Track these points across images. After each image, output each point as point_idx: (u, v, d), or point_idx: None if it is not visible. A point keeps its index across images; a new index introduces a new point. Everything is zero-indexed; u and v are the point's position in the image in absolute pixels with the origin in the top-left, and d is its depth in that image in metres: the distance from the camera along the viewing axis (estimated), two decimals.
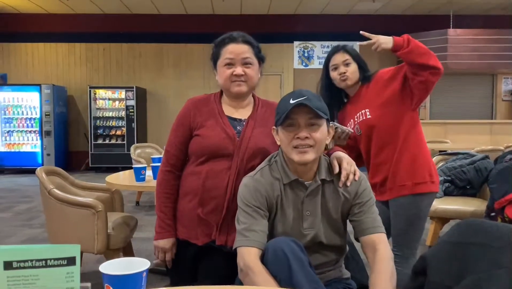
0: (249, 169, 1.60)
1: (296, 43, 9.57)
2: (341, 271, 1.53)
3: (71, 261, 0.60)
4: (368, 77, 2.10)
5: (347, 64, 2.08)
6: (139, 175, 2.76)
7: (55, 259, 0.59)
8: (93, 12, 9.12)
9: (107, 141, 9.18)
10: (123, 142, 9.10)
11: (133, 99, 9.01)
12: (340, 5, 8.64)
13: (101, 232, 2.58)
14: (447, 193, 3.74)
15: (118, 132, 9.18)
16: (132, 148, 5.56)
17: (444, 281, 1.07)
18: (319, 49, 9.62)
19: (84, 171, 9.13)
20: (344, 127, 2.08)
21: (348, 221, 1.50)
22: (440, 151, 5.28)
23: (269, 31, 9.06)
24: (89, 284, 0.65)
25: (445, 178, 3.78)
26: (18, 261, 0.58)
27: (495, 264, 1.02)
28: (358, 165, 1.70)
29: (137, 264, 0.93)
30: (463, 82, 9.18)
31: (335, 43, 8.86)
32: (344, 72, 2.07)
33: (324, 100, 1.80)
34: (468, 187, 3.74)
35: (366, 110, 2.07)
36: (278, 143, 1.48)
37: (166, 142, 1.79)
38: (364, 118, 2.08)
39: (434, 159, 4.01)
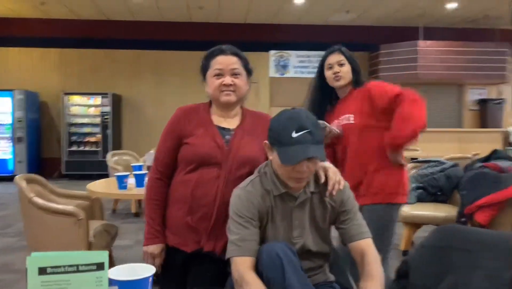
0: (237, 177, 1.64)
1: (272, 52, 9.69)
2: (326, 274, 1.60)
3: (100, 266, 0.64)
4: (360, 82, 2.21)
5: (341, 65, 2.18)
6: (122, 182, 2.77)
7: (85, 265, 0.63)
8: (68, 17, 9.01)
9: (81, 148, 9.05)
10: (98, 149, 8.98)
11: (109, 105, 8.92)
12: (315, 16, 8.83)
13: (82, 240, 2.58)
14: (419, 199, 3.89)
15: (93, 139, 9.06)
16: (108, 155, 5.52)
17: (425, 283, 1.16)
18: (295, 58, 9.76)
19: (57, 178, 8.96)
20: (333, 128, 2.17)
21: (334, 227, 1.58)
22: (412, 159, 5.47)
23: (245, 39, 9.15)
24: (116, 288, 0.69)
25: (418, 185, 3.94)
26: (51, 267, 0.62)
27: (473, 267, 1.12)
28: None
29: (142, 270, 0.97)
30: (432, 92, 9.50)
31: (310, 53, 9.08)
32: (338, 72, 2.17)
33: (315, 97, 2.09)
34: (439, 193, 3.91)
35: (351, 115, 2.17)
36: (270, 158, 1.52)
37: (156, 150, 1.82)
38: (347, 122, 2.17)
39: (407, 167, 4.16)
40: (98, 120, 9.00)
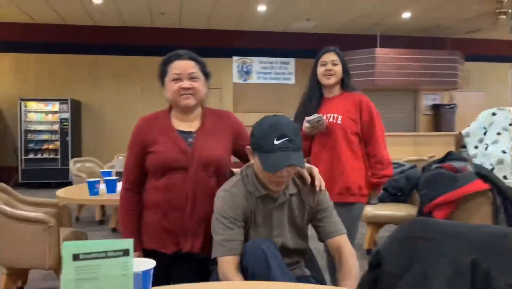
0: (204, 178, 1.71)
1: (235, 58, 9.80)
2: (303, 269, 1.69)
3: (126, 252, 0.70)
4: (349, 84, 2.38)
5: (334, 64, 2.34)
6: (93, 188, 2.76)
7: (113, 251, 0.69)
8: (24, 21, 8.73)
9: (39, 156, 8.76)
10: (57, 156, 8.74)
11: (68, 112, 8.71)
12: (277, 23, 9.01)
13: (53, 247, 2.55)
14: (381, 200, 4.07)
15: (51, 147, 8.80)
16: (71, 162, 5.41)
17: (396, 271, 1.26)
18: (258, 64, 9.91)
19: (13, 187, 8.61)
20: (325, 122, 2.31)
21: (311, 225, 1.67)
22: None
23: (208, 45, 9.20)
24: (140, 271, 0.74)
25: None
26: (84, 254, 0.68)
27: (437, 254, 1.23)
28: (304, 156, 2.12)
29: (142, 263, 0.98)
30: (389, 98, 9.89)
31: (273, 59, 9.21)
32: (330, 70, 2.32)
33: (313, 91, 2.28)
34: (399, 194, 4.10)
35: (339, 116, 2.32)
36: (252, 161, 1.59)
37: (124, 162, 1.86)
38: (334, 121, 2.32)
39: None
40: (56, 127, 8.75)
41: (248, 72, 9.91)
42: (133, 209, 1.79)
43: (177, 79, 1.74)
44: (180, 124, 1.79)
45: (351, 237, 2.28)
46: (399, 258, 1.28)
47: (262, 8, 8.01)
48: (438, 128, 9.93)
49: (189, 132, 1.78)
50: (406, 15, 8.37)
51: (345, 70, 2.38)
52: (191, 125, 1.80)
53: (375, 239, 4.11)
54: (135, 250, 1.73)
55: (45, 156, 8.78)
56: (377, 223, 3.98)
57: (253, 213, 1.56)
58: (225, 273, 1.42)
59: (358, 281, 1.47)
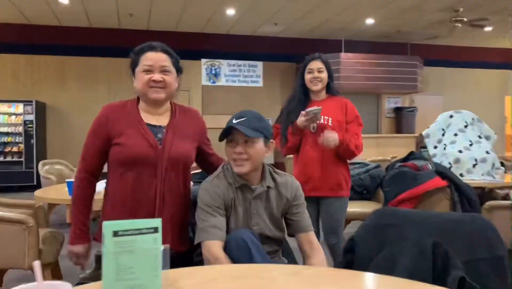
0: (173, 175, 1.73)
1: (203, 60, 9.86)
2: (281, 258, 1.82)
3: (155, 230, 0.83)
4: (333, 88, 2.60)
5: (320, 71, 2.55)
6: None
7: (146, 228, 0.81)
8: None
9: (1, 158, 8.53)
10: (21, 159, 8.53)
11: (32, 113, 8.52)
12: (245, 26, 9.16)
13: (32, 247, 2.57)
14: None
15: (15, 149, 8.58)
16: (40, 165, 5.34)
17: (368, 255, 1.42)
18: (226, 67, 10.02)
19: None
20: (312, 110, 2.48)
21: (284, 218, 1.82)
22: None
23: (177, 47, 9.19)
24: (168, 246, 0.86)
25: None
26: (122, 231, 0.80)
27: (403, 238, 1.40)
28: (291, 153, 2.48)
29: None
30: (354, 101, 10.08)
31: (241, 62, 9.36)
32: (317, 77, 2.53)
33: (299, 96, 2.45)
34: (364, 192, 4.33)
35: (330, 118, 2.55)
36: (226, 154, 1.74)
37: (82, 150, 1.78)
38: (325, 122, 2.54)
39: None
40: (20, 129, 8.54)
41: (216, 75, 10.00)
42: (88, 199, 1.75)
43: (148, 70, 1.69)
44: (148, 117, 1.75)
45: (342, 226, 2.70)
46: (371, 243, 1.45)
47: (231, 12, 8.13)
48: (400, 130, 10.35)
49: (159, 127, 1.75)
50: (370, 21, 8.71)
51: (330, 76, 2.61)
52: (160, 119, 1.76)
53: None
54: (84, 242, 1.73)
55: (9, 158, 8.56)
56: (345, 220, 4.17)
57: (233, 202, 1.69)
58: (216, 254, 1.53)
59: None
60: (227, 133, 1.66)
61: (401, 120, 10.34)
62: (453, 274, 1.21)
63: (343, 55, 9.44)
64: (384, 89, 10.01)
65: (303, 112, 2.48)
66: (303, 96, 2.62)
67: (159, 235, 0.83)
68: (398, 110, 10.47)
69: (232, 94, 9.93)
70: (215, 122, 10.14)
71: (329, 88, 2.63)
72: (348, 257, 1.47)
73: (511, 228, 2.62)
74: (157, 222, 0.84)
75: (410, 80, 9.84)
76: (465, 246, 1.31)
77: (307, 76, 2.58)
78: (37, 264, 0.75)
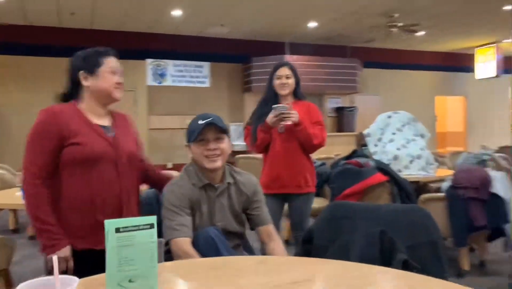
0: (131, 172, 1.83)
1: (149, 60, 9.75)
2: (242, 252, 1.95)
3: (151, 226, 0.94)
4: (300, 93, 2.80)
5: (288, 78, 2.75)
6: None
7: (143, 225, 0.91)
8: None
9: None
10: None
11: None
12: (192, 27, 9.17)
13: None
14: None
15: None
16: None
17: (324, 244, 1.59)
18: (172, 67, 9.96)
19: None
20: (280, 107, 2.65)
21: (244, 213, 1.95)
22: None
23: (121, 47, 9.05)
24: (162, 239, 0.95)
25: None
26: (123, 227, 0.89)
27: (354, 228, 1.58)
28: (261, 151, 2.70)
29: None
30: None
31: (188, 63, 9.37)
32: (285, 83, 2.73)
33: (269, 99, 2.66)
34: None
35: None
36: (190, 156, 1.85)
37: (26, 157, 1.73)
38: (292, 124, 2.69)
39: None
40: None
41: (162, 75, 9.92)
42: (50, 203, 1.71)
43: (114, 72, 1.83)
44: (94, 118, 1.81)
45: (308, 221, 2.86)
46: (327, 234, 1.61)
47: (177, 12, 8.12)
48: (341, 129, 10.81)
49: (106, 127, 1.83)
50: (313, 24, 9.04)
51: (297, 82, 2.81)
52: (104, 120, 1.84)
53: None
54: (66, 243, 1.67)
55: None
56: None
57: (198, 201, 1.80)
58: (186, 250, 1.64)
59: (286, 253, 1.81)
60: (199, 132, 1.76)
61: (342, 119, 10.80)
62: (398, 257, 1.40)
63: (288, 57, 9.71)
64: (326, 90, 10.40)
65: (274, 106, 2.67)
66: (272, 99, 2.79)
67: (154, 230, 0.93)
68: (339, 110, 10.92)
69: (178, 94, 9.90)
70: (161, 123, 10.15)
71: (296, 93, 2.84)
72: (307, 247, 1.63)
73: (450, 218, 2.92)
74: (152, 219, 0.94)
75: (350, 82, 10.31)
76: (407, 233, 1.51)
77: (276, 82, 2.78)
78: (55, 259, 0.82)
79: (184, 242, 1.66)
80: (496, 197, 3.29)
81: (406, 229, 1.52)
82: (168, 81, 9.91)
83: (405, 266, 1.37)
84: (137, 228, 0.91)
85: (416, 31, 9.04)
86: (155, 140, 9.37)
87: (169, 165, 9.00)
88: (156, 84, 9.85)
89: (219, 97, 10.10)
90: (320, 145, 2.81)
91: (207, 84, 10.13)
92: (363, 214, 1.62)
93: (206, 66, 10.12)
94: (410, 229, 1.51)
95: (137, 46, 9.46)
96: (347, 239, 1.54)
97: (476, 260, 3.66)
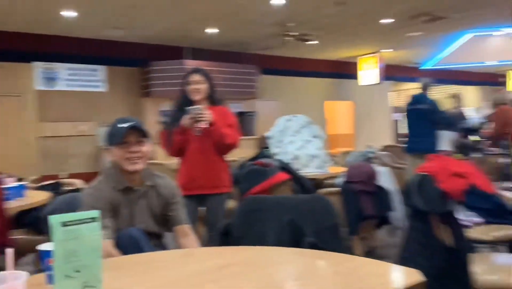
0: None
1: (37, 63, 9.10)
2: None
3: (94, 219, 0.97)
4: (215, 98, 2.86)
5: (199, 83, 2.82)
6: None
7: (88, 218, 0.94)
8: None
9: None
10: None
11: None
12: (87, 29, 8.78)
13: None
14: None
15: None
16: None
17: (241, 234, 1.73)
18: (64, 71, 9.42)
19: None
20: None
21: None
22: None
23: (5, 48, 8.38)
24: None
25: None
26: (69, 221, 0.92)
27: (268, 218, 1.75)
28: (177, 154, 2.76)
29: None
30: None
31: (82, 66, 9.07)
32: (198, 89, 2.79)
33: (184, 102, 2.68)
34: None
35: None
36: (109, 159, 1.87)
37: None
38: (207, 127, 2.77)
39: None
40: None
41: (53, 79, 9.33)
42: None
43: None
44: None
45: (223, 219, 2.88)
46: (242, 226, 1.76)
47: (69, 14, 7.73)
48: (242, 132, 11.14)
49: None
50: (213, 30, 9.22)
51: (211, 87, 2.90)
52: None
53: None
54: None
55: None
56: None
57: (117, 204, 1.84)
58: (109, 252, 1.67)
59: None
60: (122, 135, 1.80)
61: (243, 124, 11.12)
62: (306, 240, 1.60)
63: (188, 62, 9.77)
64: (227, 95, 10.64)
65: (188, 108, 2.76)
66: (186, 105, 2.84)
67: (97, 224, 0.99)
68: (240, 114, 11.24)
69: (72, 99, 9.38)
70: (54, 131, 9.49)
71: (211, 99, 2.93)
72: (224, 239, 1.76)
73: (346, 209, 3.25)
74: (95, 213, 1.00)
75: (249, 87, 10.68)
76: (312, 219, 1.72)
77: (188, 88, 2.86)
78: (9, 252, 0.84)
79: (105, 244, 1.69)
80: (381, 189, 3.75)
81: (312, 215, 1.73)
82: (60, 86, 9.34)
83: (312, 247, 1.57)
84: (81, 221, 0.96)
85: (308, 40, 9.71)
86: (46, 148, 8.78)
87: (63, 175, 8.48)
88: (47, 88, 9.22)
89: (116, 102, 9.76)
90: (233, 145, 2.93)
91: (102, 88, 9.75)
92: (274, 205, 1.80)
93: (101, 70, 9.74)
94: (314, 216, 1.72)
95: (24, 48, 8.78)
96: (261, 229, 1.70)
97: (367, 247, 4.11)
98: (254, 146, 10.45)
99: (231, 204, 4.24)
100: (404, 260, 1.67)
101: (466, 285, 1.98)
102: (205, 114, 2.73)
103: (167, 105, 9.93)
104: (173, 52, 10.07)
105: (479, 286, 2.03)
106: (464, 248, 2.12)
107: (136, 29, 8.90)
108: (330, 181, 4.74)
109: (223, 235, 1.77)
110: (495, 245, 2.89)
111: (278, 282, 1.18)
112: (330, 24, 8.83)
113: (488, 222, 2.90)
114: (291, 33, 9.19)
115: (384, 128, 13.59)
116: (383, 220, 3.85)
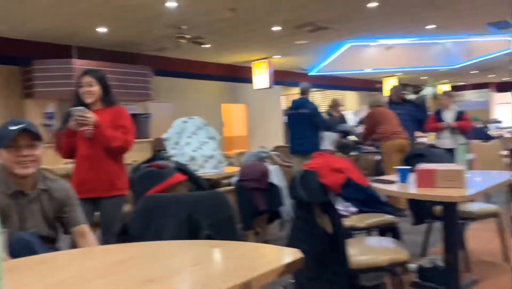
0: None
1: None
2: None
3: None
4: (109, 100, 2.78)
5: (91, 85, 2.72)
6: None
7: None
8: None
9: None
10: None
11: None
12: None
13: None
14: None
15: None
16: None
17: (139, 233, 1.79)
18: None
19: None
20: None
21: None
22: None
23: None
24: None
25: None
26: None
27: (165, 215, 1.83)
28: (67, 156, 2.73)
29: None
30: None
31: None
32: (88, 91, 2.70)
33: (77, 104, 2.62)
34: None
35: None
36: (0, 161, 1.79)
37: None
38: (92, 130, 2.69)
39: None
40: None
41: None
42: None
43: None
44: None
45: (117, 224, 2.84)
46: (141, 224, 1.82)
47: None
48: (136, 135, 10.86)
49: None
50: (102, 30, 8.87)
51: (105, 89, 2.81)
52: None
53: None
54: None
55: None
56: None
57: (7, 209, 1.77)
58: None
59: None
60: (12, 138, 1.73)
61: (137, 126, 10.85)
62: (203, 233, 1.72)
63: (76, 61, 9.29)
64: (120, 96, 10.29)
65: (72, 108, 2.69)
66: (78, 106, 2.75)
67: None
68: (134, 116, 10.94)
69: None
70: None
71: (105, 100, 2.86)
72: (122, 238, 1.80)
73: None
74: None
75: (143, 89, 10.47)
76: (209, 213, 1.85)
77: (80, 90, 2.78)
78: None
79: None
80: (273, 185, 4.02)
81: (207, 210, 1.86)
82: None
83: (209, 239, 1.70)
84: None
85: (202, 44, 9.84)
86: None
87: None
88: None
89: None
90: (122, 148, 2.90)
91: None
92: (171, 203, 1.89)
93: None
94: (210, 210, 1.85)
95: None
96: (159, 227, 1.78)
97: (260, 241, 4.37)
98: (149, 148, 10.28)
99: (126, 207, 4.20)
100: (289, 247, 1.88)
101: (343, 266, 2.27)
102: (87, 116, 2.67)
103: (52, 107, 9.35)
104: (61, 51, 9.49)
105: (354, 266, 2.34)
106: (342, 234, 2.42)
107: (18, 25, 8.23)
108: (226, 181, 4.92)
109: (121, 235, 1.81)
110: (368, 230, 3.29)
111: (175, 269, 1.28)
112: (222, 29, 9.06)
113: (362, 211, 3.29)
114: (185, 36, 9.23)
115: (276, 130, 14.28)
116: (274, 215, 4.13)
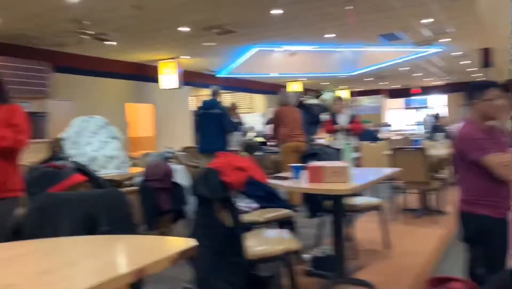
0: None
1: None
2: None
3: None
4: (1, 98, 2.70)
5: None
6: None
7: None
8: None
9: None
10: None
11: None
12: None
13: None
14: None
15: None
16: None
17: (34, 231, 1.76)
18: None
19: None
20: None
21: None
22: None
23: None
24: None
25: None
26: None
27: (64, 214, 1.82)
28: None
29: None
30: None
31: None
32: None
33: None
34: None
35: None
36: None
37: None
38: None
39: None
40: None
41: None
42: None
43: None
44: None
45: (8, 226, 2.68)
46: (37, 222, 1.79)
47: None
48: (32, 135, 10.14)
49: None
50: None
51: None
52: None
53: None
54: None
55: None
56: None
57: None
58: None
59: None
60: None
61: (33, 125, 10.14)
62: (101, 229, 1.75)
63: None
64: (13, 93, 9.55)
65: None
66: None
67: None
68: (29, 115, 10.23)
69: None
70: None
71: None
72: (15, 238, 1.76)
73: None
74: None
75: (39, 86, 9.83)
76: (107, 210, 1.88)
77: None
78: None
79: None
80: (177, 185, 4.08)
81: (105, 207, 1.88)
82: None
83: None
84: None
85: (106, 40, 9.50)
86: None
87: None
88: None
89: None
90: (10, 147, 2.76)
91: None
92: (67, 201, 1.88)
93: None
94: (108, 207, 1.88)
95: None
96: (55, 224, 1.77)
97: None
98: (46, 149, 9.65)
99: (21, 210, 3.97)
100: None
101: (240, 257, 2.43)
102: None
103: None
104: None
105: (251, 256, 2.51)
106: (240, 227, 2.57)
107: None
108: (129, 182, 4.85)
109: (14, 234, 1.76)
110: (268, 224, 3.50)
111: (72, 261, 1.30)
112: (127, 26, 8.85)
113: (263, 207, 3.50)
114: (87, 32, 8.85)
115: (185, 130, 14.22)
116: (179, 214, 4.19)
